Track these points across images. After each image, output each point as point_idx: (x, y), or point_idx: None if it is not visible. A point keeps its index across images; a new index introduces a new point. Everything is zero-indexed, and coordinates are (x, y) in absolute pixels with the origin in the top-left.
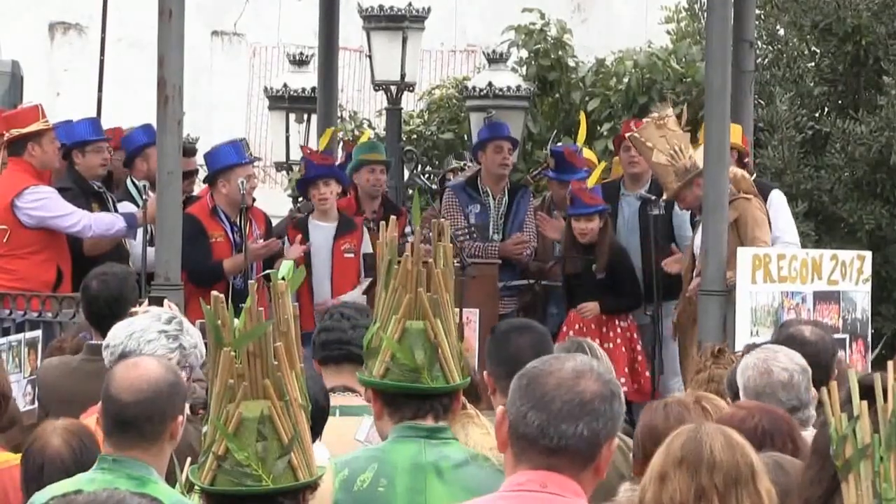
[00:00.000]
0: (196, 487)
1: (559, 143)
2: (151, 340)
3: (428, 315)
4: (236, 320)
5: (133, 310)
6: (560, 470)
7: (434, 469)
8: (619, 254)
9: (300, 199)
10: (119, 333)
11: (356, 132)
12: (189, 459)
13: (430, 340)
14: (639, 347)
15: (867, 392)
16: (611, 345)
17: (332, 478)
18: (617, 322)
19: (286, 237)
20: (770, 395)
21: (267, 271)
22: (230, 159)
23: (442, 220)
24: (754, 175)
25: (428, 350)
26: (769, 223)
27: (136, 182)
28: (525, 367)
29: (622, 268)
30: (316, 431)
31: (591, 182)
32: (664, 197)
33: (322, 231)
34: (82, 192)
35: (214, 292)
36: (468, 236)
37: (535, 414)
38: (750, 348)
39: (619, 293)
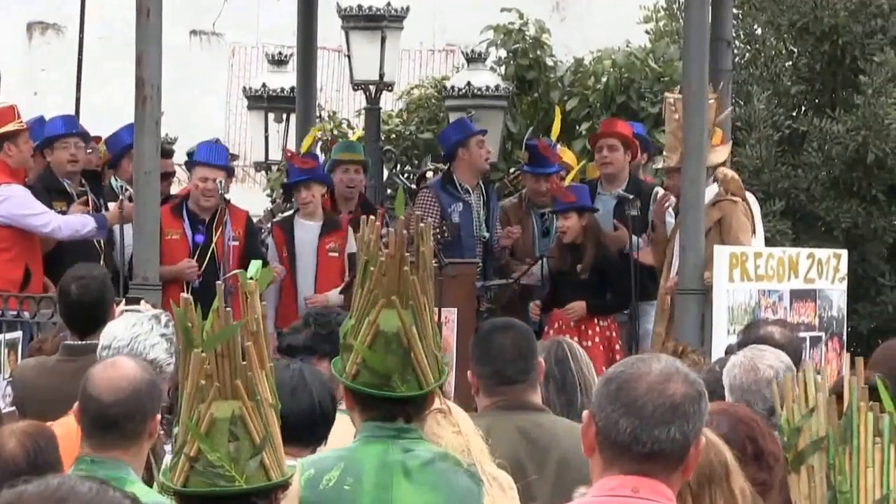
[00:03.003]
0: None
1: (533, 139)
2: (155, 345)
3: (402, 318)
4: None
5: (121, 308)
6: (651, 474)
7: (401, 467)
8: (606, 256)
9: (276, 199)
10: (122, 335)
11: (335, 132)
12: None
13: (402, 345)
14: (617, 346)
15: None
16: (589, 343)
17: (298, 477)
18: (596, 321)
19: (270, 236)
20: (755, 393)
21: (235, 271)
22: (195, 156)
23: (422, 224)
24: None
25: (400, 354)
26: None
27: (115, 183)
28: (609, 371)
29: (610, 268)
30: (321, 436)
31: (567, 181)
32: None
33: (307, 230)
34: (45, 190)
35: (184, 294)
36: (439, 236)
37: (626, 420)
38: (731, 350)
39: (605, 293)
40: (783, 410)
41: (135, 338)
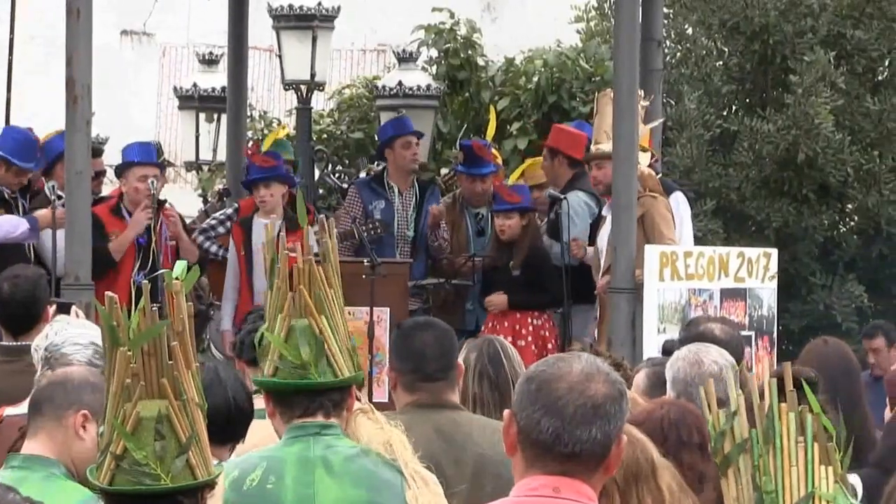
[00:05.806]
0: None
1: (468, 139)
2: (78, 344)
3: (312, 312)
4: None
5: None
6: (573, 474)
7: (322, 462)
8: (538, 253)
9: (209, 199)
10: (53, 335)
11: (266, 132)
12: None
13: (315, 336)
14: (550, 346)
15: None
16: (522, 343)
17: (222, 480)
18: (529, 320)
19: (231, 237)
20: (699, 386)
21: (161, 271)
22: (129, 157)
23: (323, 216)
24: (659, 174)
25: (314, 345)
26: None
27: (47, 187)
28: (529, 370)
29: (540, 266)
30: (239, 434)
31: (512, 179)
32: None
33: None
34: None
35: (108, 292)
36: (371, 232)
37: (548, 420)
38: (673, 345)
39: (536, 291)
40: (710, 415)
41: (63, 337)
